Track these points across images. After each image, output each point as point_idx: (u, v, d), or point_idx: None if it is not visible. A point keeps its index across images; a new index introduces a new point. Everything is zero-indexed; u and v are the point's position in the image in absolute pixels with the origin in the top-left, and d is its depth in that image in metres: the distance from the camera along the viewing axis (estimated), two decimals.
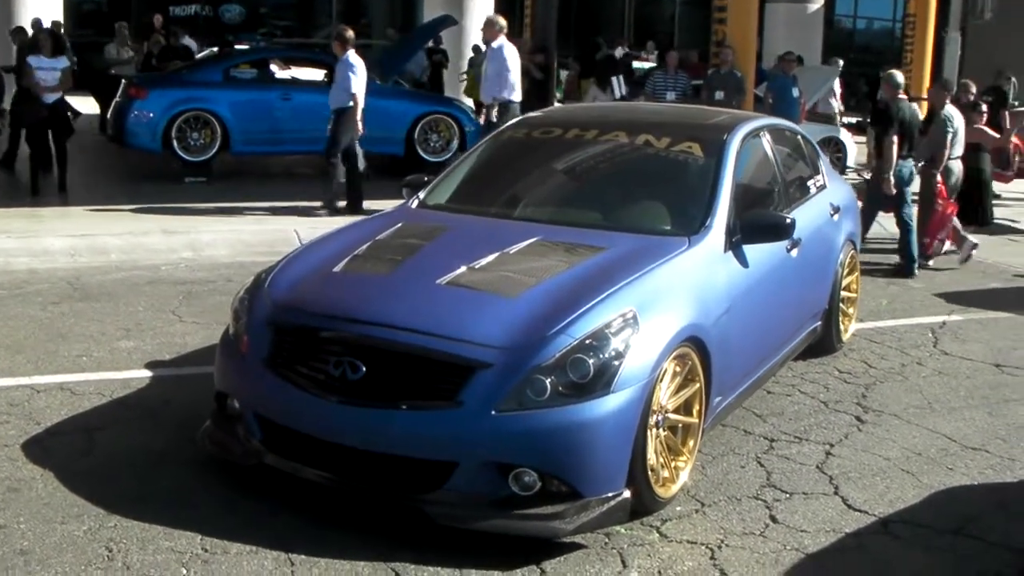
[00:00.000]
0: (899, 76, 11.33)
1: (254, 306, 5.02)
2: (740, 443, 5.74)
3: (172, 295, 8.62)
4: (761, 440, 5.80)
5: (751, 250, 5.64)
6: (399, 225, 5.75)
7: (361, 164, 12.18)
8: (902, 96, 11.01)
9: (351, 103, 11.84)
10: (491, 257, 5.09)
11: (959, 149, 11.15)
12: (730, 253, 5.50)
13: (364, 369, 4.45)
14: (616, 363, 4.38)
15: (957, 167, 11.21)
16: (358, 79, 11.87)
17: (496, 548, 4.36)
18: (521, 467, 4.31)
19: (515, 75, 12.28)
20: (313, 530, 4.52)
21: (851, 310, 7.94)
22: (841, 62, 20.12)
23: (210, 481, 4.97)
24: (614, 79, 17.72)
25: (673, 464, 4.92)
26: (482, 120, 12.82)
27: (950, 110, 11.04)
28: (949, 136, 10.86)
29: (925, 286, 10.14)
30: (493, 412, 4.26)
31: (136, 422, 5.74)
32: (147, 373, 6.57)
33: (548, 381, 4.29)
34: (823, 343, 7.41)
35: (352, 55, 12.03)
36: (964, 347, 7.92)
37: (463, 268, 4.95)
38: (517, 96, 12.37)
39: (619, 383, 4.36)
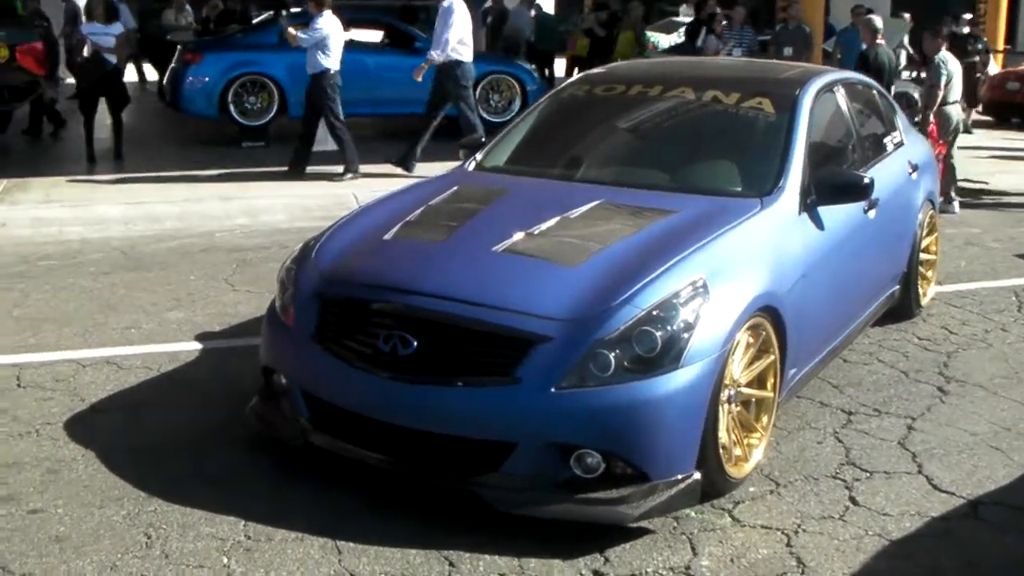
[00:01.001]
0: (877, 21, 11.79)
1: (300, 277, 4.78)
2: (816, 416, 5.41)
3: (226, 263, 8.45)
4: (838, 413, 5.47)
5: (827, 212, 5.29)
6: (454, 189, 5.46)
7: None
8: (880, 42, 11.58)
9: (327, 67, 11.62)
10: (551, 222, 4.79)
11: (956, 93, 11.30)
12: (805, 215, 5.16)
13: (415, 344, 4.19)
14: (685, 335, 4.07)
15: (955, 112, 11.40)
16: (333, 40, 11.63)
17: (557, 534, 4.09)
18: (583, 448, 4.02)
19: (456, 34, 11.76)
20: (363, 515, 4.29)
21: (930, 273, 7.57)
22: (908, 16, 19.48)
23: (258, 461, 4.75)
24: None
25: (746, 441, 4.62)
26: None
27: (944, 55, 11.20)
28: (943, 80, 11.00)
29: (1004, 246, 9.69)
30: (553, 389, 3.97)
31: (184, 397, 5.54)
32: (197, 345, 6.38)
33: (612, 355, 3.99)
34: (901, 308, 7.04)
35: (327, 16, 11.77)
36: None
37: (521, 234, 4.65)
38: (462, 56, 11.91)
39: (689, 357, 4.06)
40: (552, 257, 4.44)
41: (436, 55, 11.76)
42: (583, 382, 3.98)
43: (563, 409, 3.96)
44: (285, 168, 12.13)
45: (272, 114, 14.13)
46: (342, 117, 11.80)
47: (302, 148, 12.07)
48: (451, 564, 3.97)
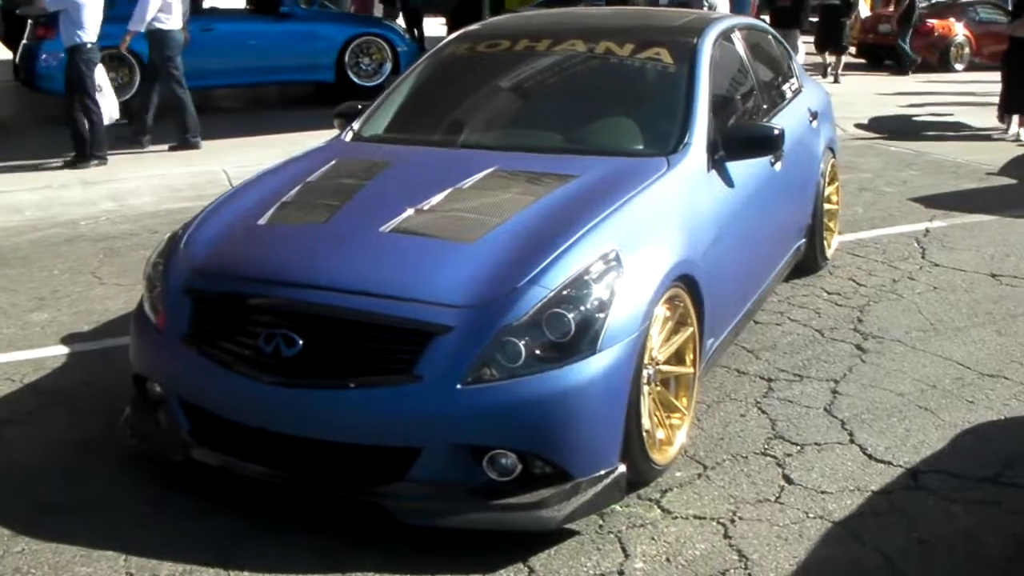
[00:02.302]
0: None
1: (169, 272, 4.25)
2: (735, 386, 5.08)
3: (92, 254, 7.82)
4: (758, 381, 5.14)
5: (735, 167, 4.94)
6: (332, 163, 4.96)
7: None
8: None
9: (81, 41, 10.64)
10: (442, 195, 4.33)
11: None
12: (714, 172, 4.79)
13: (301, 343, 3.70)
14: (601, 315, 3.67)
15: None
16: (87, 11, 10.61)
17: (474, 545, 3.68)
18: (496, 449, 3.59)
19: (157, 2, 11.17)
20: (257, 538, 3.82)
21: (833, 224, 7.35)
22: None
23: (137, 482, 4.22)
24: None
25: (669, 422, 4.25)
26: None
27: None
28: None
29: (897, 191, 9.56)
30: (458, 386, 3.53)
31: (51, 411, 4.96)
32: (63, 349, 5.78)
33: (522, 343, 3.57)
34: (807, 262, 6.80)
35: None
36: (954, 256, 7.31)
37: (410, 211, 4.19)
38: (165, 24, 11.37)
39: (606, 339, 3.65)
40: (446, 234, 3.99)
41: (136, 25, 11.19)
42: (491, 375, 3.55)
43: (471, 407, 3.53)
44: (166, 148, 11.44)
45: (134, 90, 13.32)
46: (96, 99, 10.91)
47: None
48: None
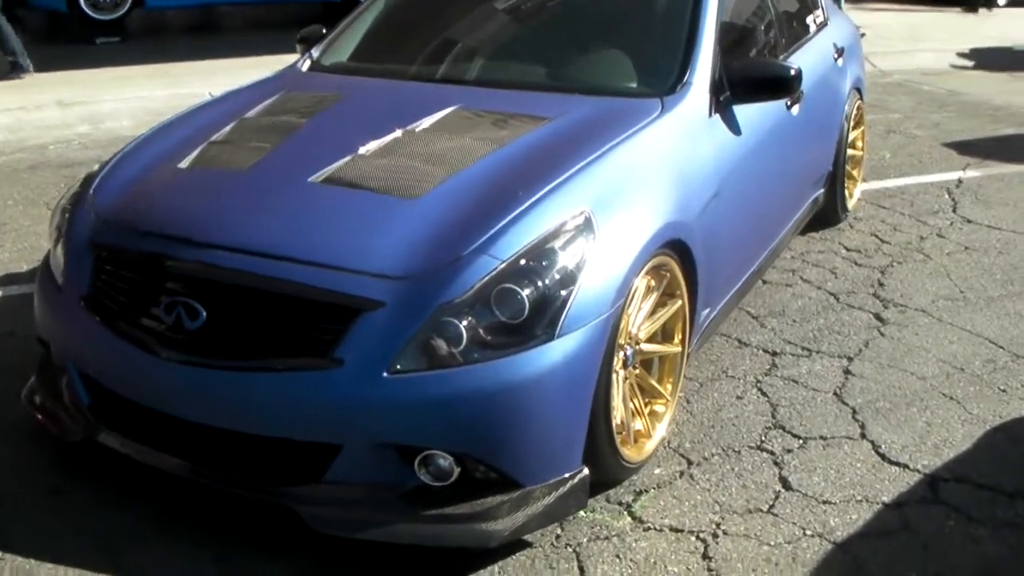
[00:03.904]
0: None
1: (75, 220, 3.63)
2: (734, 360, 4.45)
3: (53, 182, 7.24)
4: (760, 355, 4.52)
5: (743, 111, 4.25)
6: (277, 96, 4.31)
7: None
8: None
9: None
10: (389, 138, 3.68)
11: None
12: (717, 117, 4.11)
13: (204, 314, 3.09)
14: (564, 292, 3.03)
15: None
16: None
17: (400, 560, 3.10)
18: (430, 449, 2.97)
19: None
20: (155, 536, 3.26)
21: (856, 172, 6.67)
22: None
23: (35, 464, 3.66)
24: None
25: (649, 410, 3.63)
26: None
27: None
28: None
29: (929, 134, 8.82)
30: (385, 373, 2.92)
31: None
32: None
33: (463, 324, 2.94)
34: (826, 214, 6.15)
35: None
36: (989, 212, 6.62)
37: (347, 157, 3.54)
38: None
39: (569, 321, 3.02)
40: (386, 188, 3.35)
41: None
42: (425, 362, 2.93)
43: (398, 400, 2.91)
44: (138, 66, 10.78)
45: (128, 6, 12.67)
46: None
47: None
48: None
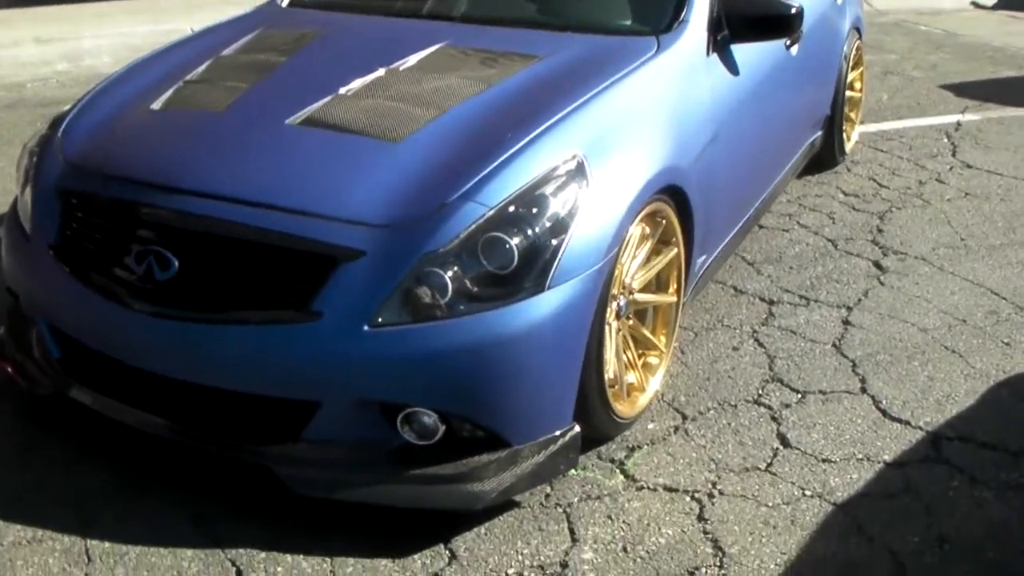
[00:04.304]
0: None
1: (42, 165, 3.45)
2: (730, 309, 4.31)
3: (28, 122, 7.04)
4: (757, 303, 4.37)
5: (741, 51, 4.07)
6: (257, 32, 4.11)
7: None
8: None
9: None
10: (371, 77, 3.49)
11: None
12: (715, 57, 3.93)
13: (176, 264, 2.92)
14: (554, 241, 2.87)
15: None
16: None
17: (384, 521, 2.98)
18: (413, 407, 2.83)
19: None
20: (127, 494, 3.13)
21: (854, 114, 6.50)
22: None
23: (8, 418, 3.51)
24: None
25: (642, 362, 3.49)
26: None
27: None
28: None
29: (927, 76, 8.64)
30: (365, 327, 2.76)
31: None
32: None
33: (448, 275, 2.78)
34: (823, 156, 5.97)
35: None
36: (989, 157, 6.46)
37: (327, 97, 3.36)
38: None
39: (560, 272, 2.86)
40: (367, 130, 3.16)
41: None
42: (408, 315, 2.77)
43: (380, 354, 2.76)
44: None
45: None
46: None
47: None
48: (238, 571, 2.81)
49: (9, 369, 3.48)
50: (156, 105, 3.54)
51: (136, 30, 9.67)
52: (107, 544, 2.93)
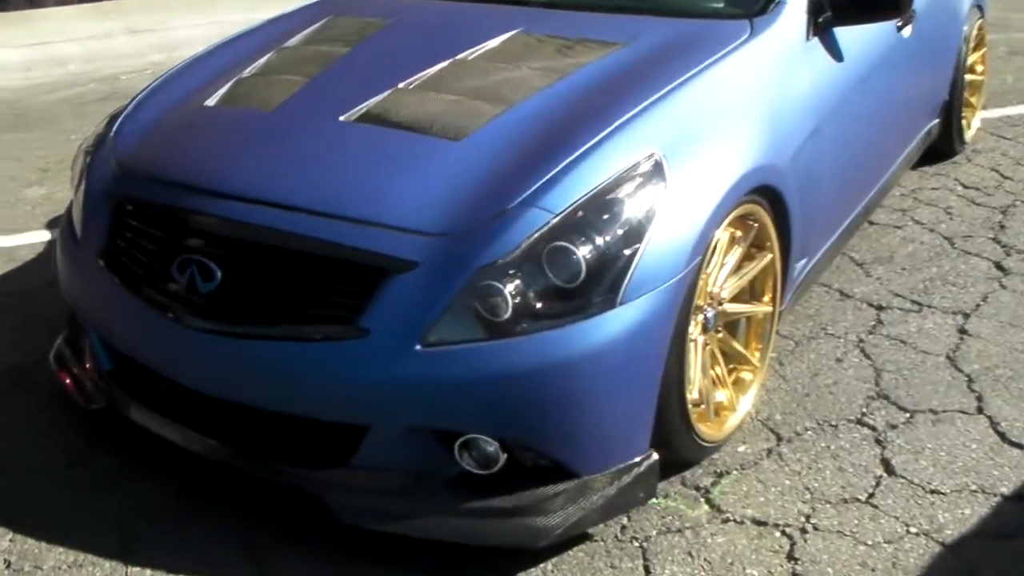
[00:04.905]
0: None
1: (94, 166, 3.29)
2: (834, 315, 3.97)
3: None
4: (864, 309, 4.02)
5: (846, 35, 3.70)
6: (322, 22, 3.89)
7: None
8: None
9: None
10: (435, 68, 3.24)
11: None
12: (816, 41, 3.58)
13: (219, 274, 2.71)
14: (627, 251, 2.58)
15: None
16: None
17: (436, 553, 2.72)
18: (470, 434, 2.57)
19: None
20: (173, 515, 2.96)
21: (975, 98, 6.03)
22: None
23: (62, 430, 3.37)
24: None
25: (733, 378, 3.19)
26: None
27: None
28: None
29: None
30: (417, 346, 2.51)
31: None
32: (44, 236, 4.95)
33: (509, 289, 2.51)
34: (940, 145, 5.53)
35: None
36: None
37: (386, 92, 3.11)
38: None
39: (634, 284, 2.58)
40: (424, 127, 2.91)
41: None
42: (463, 333, 2.51)
43: (433, 376, 2.51)
44: None
45: None
46: None
47: None
48: None
49: (67, 381, 3.33)
50: (210, 102, 3.35)
51: (229, 18, 9.57)
52: (148, 572, 2.74)
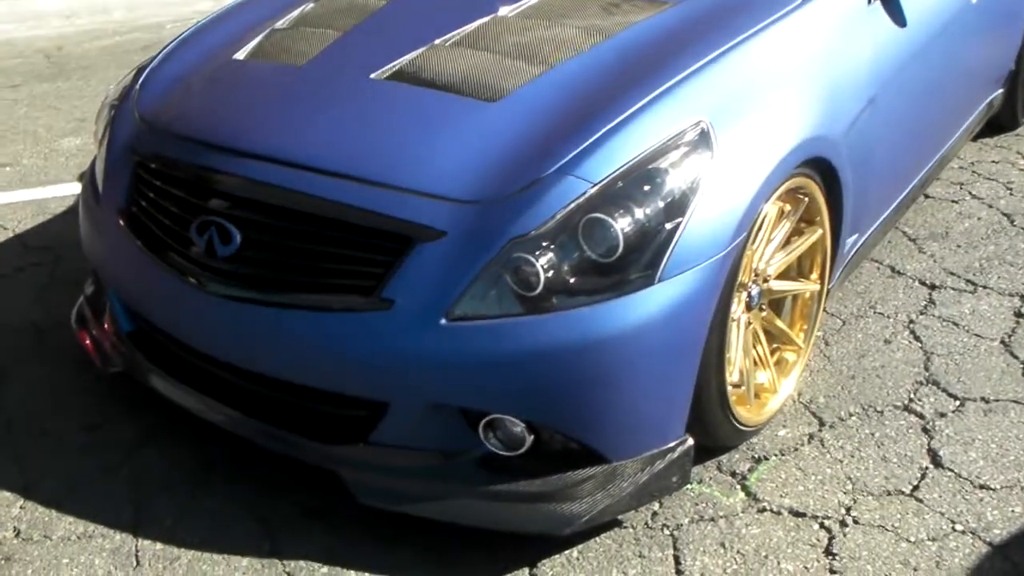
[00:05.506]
0: None
1: (117, 121, 3.17)
2: (884, 292, 3.79)
3: None
4: (916, 287, 3.84)
5: None
6: None
7: None
8: None
9: None
10: (474, 24, 3.09)
11: None
12: (877, 4, 3.39)
13: (238, 238, 2.58)
14: (669, 225, 2.43)
15: None
16: None
17: (458, 536, 2.60)
18: (496, 414, 2.44)
19: None
20: (185, 487, 2.87)
21: None
22: None
23: (75, 391, 3.28)
24: None
25: (776, 358, 3.04)
26: None
27: None
28: None
29: None
30: (443, 320, 2.38)
31: (23, 277, 4.04)
32: (75, 189, 4.86)
33: (542, 263, 2.37)
34: (1002, 117, 5.29)
35: None
36: None
37: (421, 48, 2.97)
38: None
39: (674, 260, 2.43)
40: (459, 87, 2.77)
41: None
42: (492, 308, 2.38)
43: (458, 352, 2.38)
44: None
45: None
46: None
47: None
48: None
49: (87, 341, 3.24)
50: (240, 55, 3.22)
51: None
52: (158, 546, 2.66)
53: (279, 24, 3.35)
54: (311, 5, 3.49)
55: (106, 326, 3.15)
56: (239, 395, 2.75)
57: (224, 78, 3.13)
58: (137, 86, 3.25)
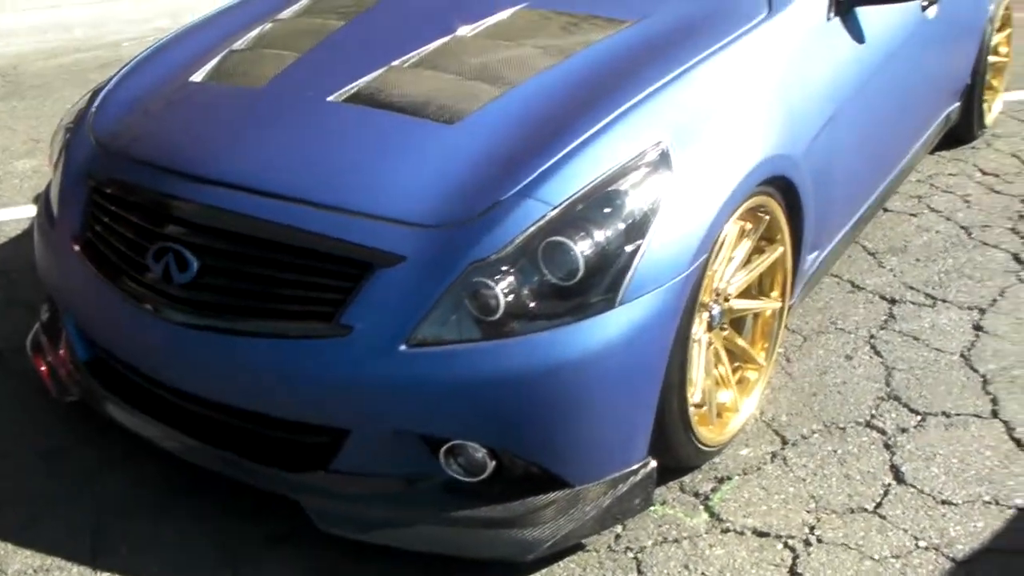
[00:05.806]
0: None
1: (72, 143, 3.13)
2: (845, 308, 3.81)
3: None
4: (876, 302, 3.86)
5: (868, 16, 3.52)
6: None
7: None
8: None
9: None
10: (432, 45, 3.08)
11: None
12: (836, 21, 3.40)
13: (196, 265, 2.55)
14: (629, 247, 2.43)
15: None
16: None
17: (426, 560, 2.57)
18: (457, 440, 2.43)
19: None
20: (147, 511, 2.84)
21: (997, 81, 5.82)
22: None
23: (34, 419, 3.23)
24: None
25: (738, 377, 3.04)
26: None
27: None
28: None
29: None
30: (403, 346, 2.36)
31: None
32: (29, 211, 4.78)
33: (501, 287, 2.36)
34: (959, 130, 5.33)
35: None
36: None
37: (378, 70, 2.95)
38: None
39: (634, 284, 2.42)
40: (417, 109, 2.75)
41: None
42: (452, 334, 2.36)
43: (417, 379, 2.36)
44: None
45: None
46: None
47: None
48: None
49: (42, 368, 3.19)
50: (197, 77, 3.19)
51: None
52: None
53: (237, 45, 3.33)
54: (269, 25, 3.47)
55: (62, 353, 3.11)
56: (198, 423, 2.71)
57: (181, 101, 3.10)
58: (93, 108, 3.21)
